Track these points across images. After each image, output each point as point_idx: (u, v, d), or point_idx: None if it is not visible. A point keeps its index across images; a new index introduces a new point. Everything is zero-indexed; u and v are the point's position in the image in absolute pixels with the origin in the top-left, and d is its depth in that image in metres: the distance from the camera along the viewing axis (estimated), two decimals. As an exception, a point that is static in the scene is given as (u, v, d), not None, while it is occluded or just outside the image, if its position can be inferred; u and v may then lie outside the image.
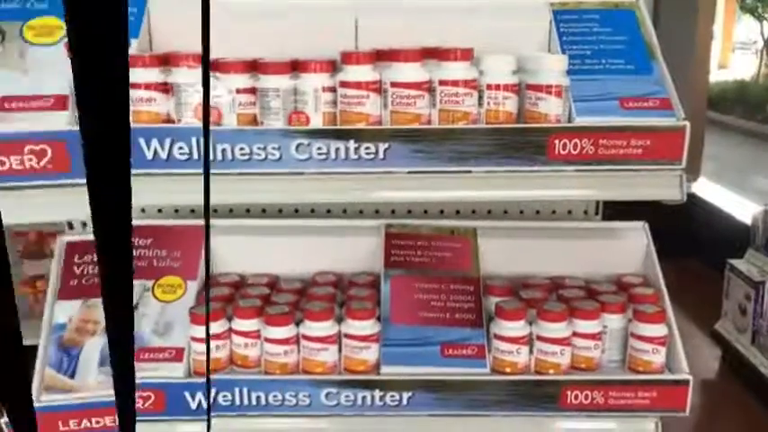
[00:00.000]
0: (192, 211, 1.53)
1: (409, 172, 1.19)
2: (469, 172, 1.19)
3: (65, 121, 1.09)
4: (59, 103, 1.04)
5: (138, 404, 1.21)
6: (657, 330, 1.26)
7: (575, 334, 1.26)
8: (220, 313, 1.27)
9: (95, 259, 1.22)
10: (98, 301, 1.25)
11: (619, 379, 1.25)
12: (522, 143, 1.17)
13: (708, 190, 5.35)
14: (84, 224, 1.43)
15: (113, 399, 1.18)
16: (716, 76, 8.35)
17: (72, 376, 1.22)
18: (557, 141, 1.17)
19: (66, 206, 1.06)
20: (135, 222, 1.53)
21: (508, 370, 1.26)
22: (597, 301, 1.30)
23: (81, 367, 1.23)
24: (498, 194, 1.21)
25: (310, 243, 1.45)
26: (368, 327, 1.26)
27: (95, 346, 1.25)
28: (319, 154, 1.17)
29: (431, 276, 1.37)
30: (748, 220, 3.82)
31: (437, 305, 1.33)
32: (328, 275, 1.43)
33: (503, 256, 1.42)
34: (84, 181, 0.98)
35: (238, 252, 1.44)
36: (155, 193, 1.18)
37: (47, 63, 1.05)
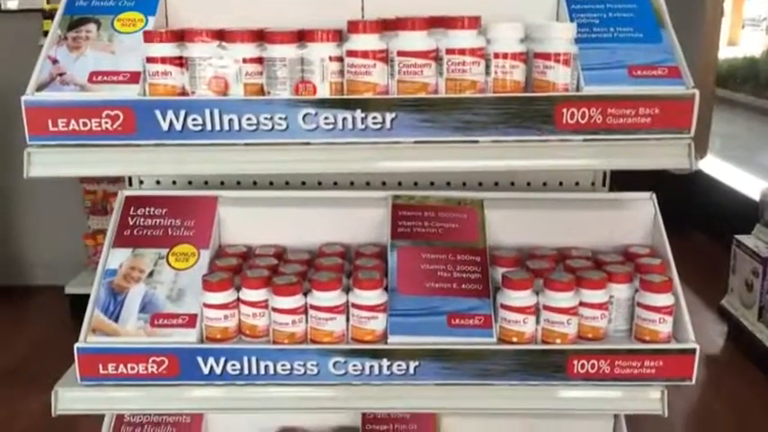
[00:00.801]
0: (206, 182, 1.54)
1: (416, 142, 1.18)
2: (476, 142, 1.18)
3: (136, 92, 1.21)
4: (133, 77, 1.22)
5: (153, 369, 1.23)
6: (664, 300, 1.26)
7: (581, 304, 1.27)
8: (228, 283, 1.27)
9: (147, 213, 1.25)
10: (145, 251, 1.35)
11: (625, 348, 1.25)
12: (529, 112, 1.17)
13: (716, 167, 5.33)
14: (142, 182, 1.56)
15: (148, 346, 1.22)
16: (725, 52, 8.26)
17: (116, 320, 1.27)
18: (564, 110, 1.16)
19: (131, 163, 1.21)
20: (150, 193, 1.56)
21: (515, 340, 1.26)
22: (604, 271, 1.31)
23: (124, 312, 1.28)
24: (505, 164, 1.20)
25: (317, 214, 1.45)
26: (375, 296, 1.27)
27: (138, 293, 1.30)
28: (326, 124, 1.17)
29: (437, 247, 1.37)
30: (756, 197, 3.81)
31: (444, 276, 1.33)
32: (335, 246, 1.43)
33: (510, 228, 1.42)
34: (146, 142, 1.10)
35: (246, 223, 1.45)
36: (170, 164, 1.21)
37: (129, 47, 1.25)
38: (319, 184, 1.57)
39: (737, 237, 3.65)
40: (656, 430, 2.97)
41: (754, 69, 8.62)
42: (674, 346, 1.26)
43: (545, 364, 1.25)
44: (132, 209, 1.41)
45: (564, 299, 1.26)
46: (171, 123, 1.17)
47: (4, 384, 3.25)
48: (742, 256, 3.60)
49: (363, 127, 1.17)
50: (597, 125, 1.17)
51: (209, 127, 1.17)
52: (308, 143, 1.18)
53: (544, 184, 1.57)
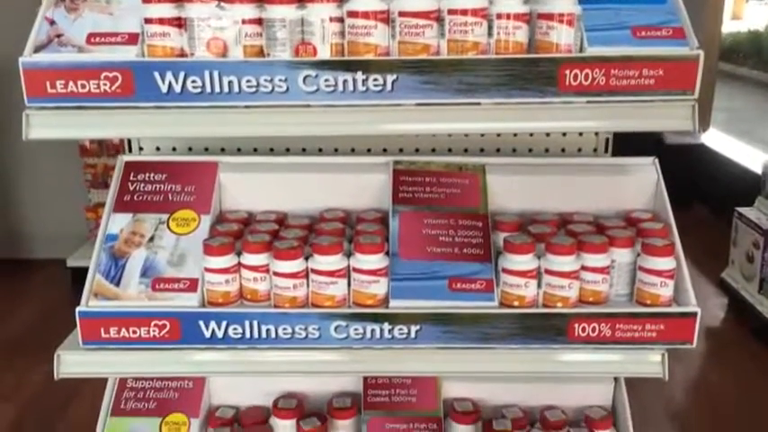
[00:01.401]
0: (206, 149, 1.53)
1: (417, 104, 1.17)
2: (478, 104, 1.17)
3: (134, 53, 1.19)
4: (132, 39, 1.20)
5: (155, 332, 1.24)
6: (666, 263, 1.26)
7: (583, 268, 1.27)
8: (229, 247, 1.27)
9: (147, 178, 1.26)
10: (145, 216, 1.35)
11: (626, 311, 1.25)
12: (532, 74, 1.15)
13: (718, 140, 5.30)
14: (141, 148, 1.56)
15: (149, 310, 1.22)
16: (729, 26, 8.18)
17: (117, 284, 1.28)
18: (567, 72, 1.15)
19: (129, 125, 1.20)
20: (150, 159, 1.55)
21: (516, 304, 1.26)
22: (605, 235, 1.30)
23: (125, 277, 1.28)
24: (508, 126, 1.19)
25: (318, 180, 1.45)
26: (376, 261, 1.26)
27: (139, 258, 1.31)
28: (327, 86, 1.16)
29: (439, 212, 1.37)
30: (758, 170, 3.80)
31: (445, 240, 1.33)
32: (336, 212, 1.43)
33: (511, 193, 1.42)
34: (144, 104, 1.09)
35: (246, 189, 1.44)
36: (169, 126, 1.20)
37: (127, 8, 1.23)
38: (320, 150, 1.56)
39: (739, 209, 3.65)
40: (655, 400, 3.00)
41: (758, 43, 8.55)
42: (675, 309, 1.26)
43: (546, 328, 1.25)
44: (132, 174, 1.41)
45: (565, 263, 1.25)
46: (170, 85, 1.16)
47: (8, 355, 3.27)
48: (743, 228, 3.60)
49: (364, 89, 1.16)
50: (600, 87, 1.15)
51: (208, 89, 1.16)
52: (308, 105, 1.17)
53: (546, 150, 1.56)
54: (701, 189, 4.94)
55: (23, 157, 4.20)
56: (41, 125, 1.17)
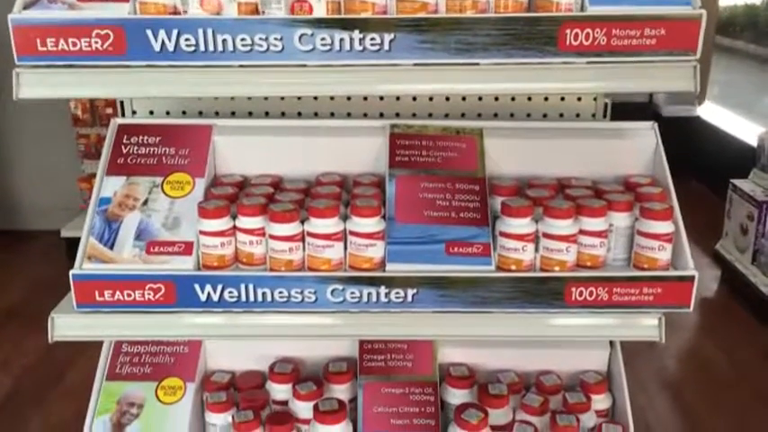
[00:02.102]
0: (200, 113, 1.51)
1: (415, 64, 1.16)
2: (477, 64, 1.15)
3: (126, 10, 1.17)
4: None
5: (150, 296, 1.23)
6: (664, 227, 1.25)
7: (581, 231, 1.26)
8: (224, 210, 1.26)
9: (141, 141, 1.23)
10: (139, 179, 1.32)
11: (624, 275, 1.25)
12: (532, 34, 1.14)
13: (714, 113, 5.29)
14: (134, 112, 1.54)
15: (144, 273, 1.21)
16: (726, 0, 8.12)
17: (111, 248, 1.26)
18: (568, 31, 1.13)
19: (121, 85, 1.18)
20: (143, 122, 1.52)
21: (513, 267, 1.26)
22: (604, 199, 1.29)
23: (119, 240, 1.27)
24: (506, 87, 1.18)
25: (314, 144, 1.43)
26: (373, 224, 1.25)
27: (133, 221, 1.29)
28: (323, 45, 1.14)
29: (436, 176, 1.35)
30: (754, 143, 3.79)
31: (442, 204, 1.32)
32: (333, 176, 1.41)
33: (509, 157, 1.41)
34: (137, 63, 1.07)
35: (242, 153, 1.43)
36: (162, 85, 1.17)
37: None
38: (315, 115, 1.54)
39: (734, 181, 3.65)
40: (648, 369, 3.02)
41: (754, 17, 8.48)
42: (672, 273, 1.25)
43: (543, 292, 1.25)
44: (125, 137, 1.39)
45: (563, 226, 1.25)
46: (163, 43, 1.13)
47: (3, 325, 3.27)
48: (738, 200, 3.60)
49: (361, 49, 1.14)
50: (601, 47, 1.14)
51: (202, 48, 1.14)
52: (304, 65, 1.15)
53: (544, 116, 1.55)
54: (696, 162, 4.93)
55: (17, 129, 4.16)
56: (32, 84, 1.15)
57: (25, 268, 3.87)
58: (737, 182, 3.63)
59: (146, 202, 1.31)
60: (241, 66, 1.15)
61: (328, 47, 1.14)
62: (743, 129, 4.76)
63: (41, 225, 4.20)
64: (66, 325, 1.26)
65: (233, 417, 1.40)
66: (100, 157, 1.37)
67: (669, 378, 2.99)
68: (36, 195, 4.26)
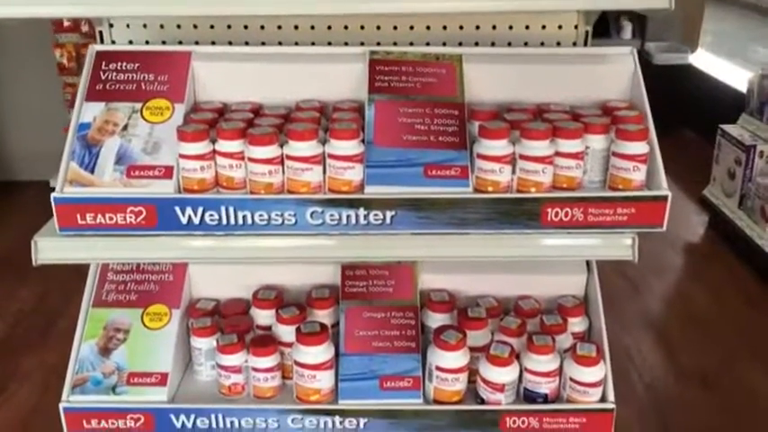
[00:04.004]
0: (180, 42, 1.50)
1: (392, -17, 1.15)
2: (454, -18, 1.15)
3: None
4: None
5: (132, 219, 1.24)
6: (639, 148, 1.27)
7: (557, 153, 1.27)
8: (204, 134, 1.27)
9: (119, 67, 1.23)
10: (119, 105, 1.33)
11: (598, 196, 1.27)
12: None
13: (705, 61, 5.27)
14: (114, 41, 1.55)
15: (125, 196, 1.22)
16: (722, -51, 7.99)
17: (92, 172, 1.27)
18: (544, -52, 1.13)
19: (96, 4, 1.19)
20: (121, 48, 1.51)
21: (490, 189, 1.27)
22: (581, 122, 1.30)
23: (99, 164, 1.28)
24: (484, 5, 1.18)
25: (294, 71, 1.43)
26: (352, 147, 1.26)
27: (113, 145, 1.30)
28: (298, -37, 1.14)
29: (415, 101, 1.36)
30: (744, 88, 3.78)
31: (421, 129, 1.33)
32: (312, 102, 1.42)
33: (488, 83, 1.41)
34: None
35: (221, 80, 1.43)
36: (138, 5, 1.18)
37: None
38: (296, 44, 1.53)
39: (722, 126, 3.66)
40: (634, 311, 3.07)
41: (752, -33, 8.37)
42: (645, 193, 1.27)
43: (520, 213, 1.26)
44: (104, 63, 1.38)
45: (540, 147, 1.26)
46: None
47: (-8, 273, 3.30)
48: (726, 145, 3.61)
49: (337, -34, 1.14)
50: (577, -37, 1.14)
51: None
52: (280, -17, 1.15)
53: (525, 44, 1.54)
54: (688, 110, 4.93)
55: (1, 80, 4.12)
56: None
57: (15, 218, 3.88)
58: (726, 127, 3.63)
59: (125, 128, 1.32)
60: (217, -16, 1.15)
61: (304, -35, 1.14)
62: (735, 76, 4.74)
63: (29, 176, 4.20)
64: (49, 247, 1.27)
65: (217, 340, 1.43)
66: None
67: (654, 320, 3.04)
68: (24, 146, 4.25)
